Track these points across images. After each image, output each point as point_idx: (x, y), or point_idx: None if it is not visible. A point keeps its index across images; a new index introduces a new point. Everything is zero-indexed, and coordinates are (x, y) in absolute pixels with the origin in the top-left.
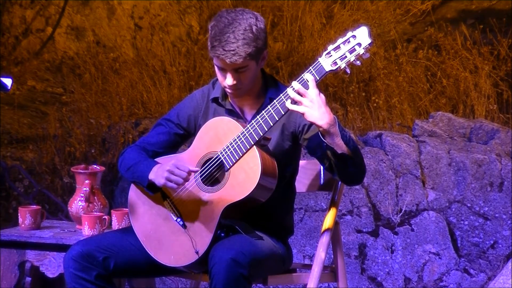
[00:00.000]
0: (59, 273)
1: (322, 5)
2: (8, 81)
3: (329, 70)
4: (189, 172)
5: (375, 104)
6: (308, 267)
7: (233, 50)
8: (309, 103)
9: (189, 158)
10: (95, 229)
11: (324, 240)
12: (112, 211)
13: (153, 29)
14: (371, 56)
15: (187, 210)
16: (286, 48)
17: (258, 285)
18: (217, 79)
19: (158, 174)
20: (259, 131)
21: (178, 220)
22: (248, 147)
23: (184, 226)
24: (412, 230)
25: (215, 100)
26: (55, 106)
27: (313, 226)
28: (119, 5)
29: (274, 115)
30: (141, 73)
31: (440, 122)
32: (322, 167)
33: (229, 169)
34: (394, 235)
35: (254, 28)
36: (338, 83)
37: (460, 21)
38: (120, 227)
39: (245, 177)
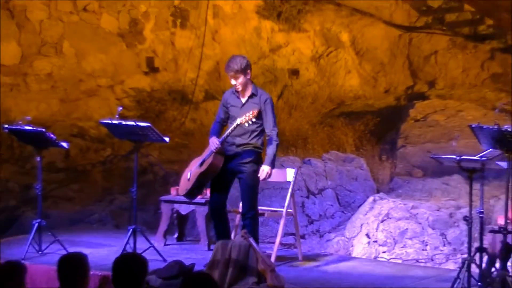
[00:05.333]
0: (188, 211)
1: None
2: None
3: None
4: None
5: None
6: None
7: (228, 67)
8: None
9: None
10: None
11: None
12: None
13: None
14: None
15: (193, 173)
16: None
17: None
18: None
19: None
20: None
21: (189, 175)
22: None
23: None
24: None
25: (234, 92)
26: None
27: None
28: None
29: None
30: None
31: None
32: None
33: (202, 162)
34: None
35: (239, 60)
36: None
37: None
38: None
39: (204, 166)
